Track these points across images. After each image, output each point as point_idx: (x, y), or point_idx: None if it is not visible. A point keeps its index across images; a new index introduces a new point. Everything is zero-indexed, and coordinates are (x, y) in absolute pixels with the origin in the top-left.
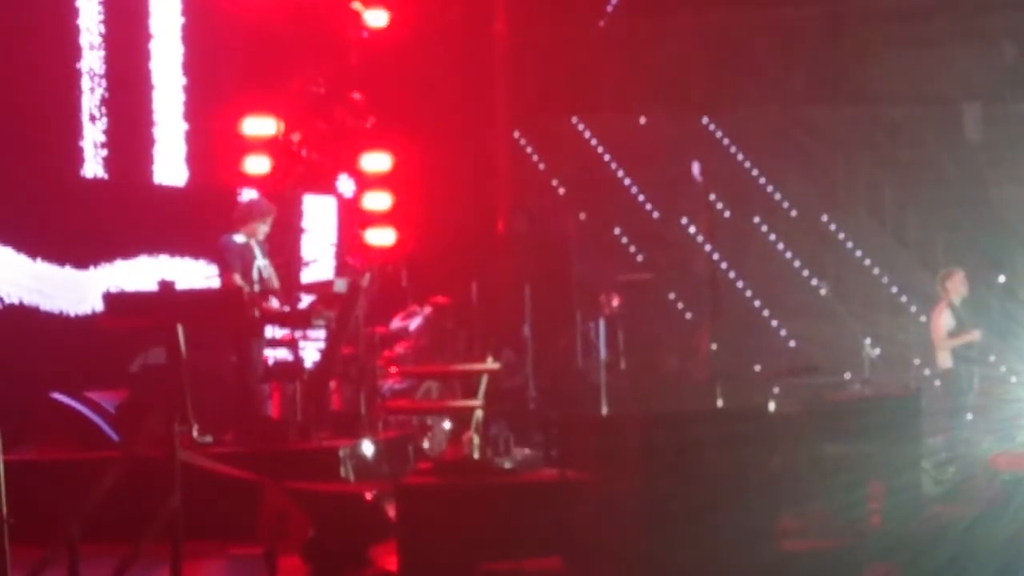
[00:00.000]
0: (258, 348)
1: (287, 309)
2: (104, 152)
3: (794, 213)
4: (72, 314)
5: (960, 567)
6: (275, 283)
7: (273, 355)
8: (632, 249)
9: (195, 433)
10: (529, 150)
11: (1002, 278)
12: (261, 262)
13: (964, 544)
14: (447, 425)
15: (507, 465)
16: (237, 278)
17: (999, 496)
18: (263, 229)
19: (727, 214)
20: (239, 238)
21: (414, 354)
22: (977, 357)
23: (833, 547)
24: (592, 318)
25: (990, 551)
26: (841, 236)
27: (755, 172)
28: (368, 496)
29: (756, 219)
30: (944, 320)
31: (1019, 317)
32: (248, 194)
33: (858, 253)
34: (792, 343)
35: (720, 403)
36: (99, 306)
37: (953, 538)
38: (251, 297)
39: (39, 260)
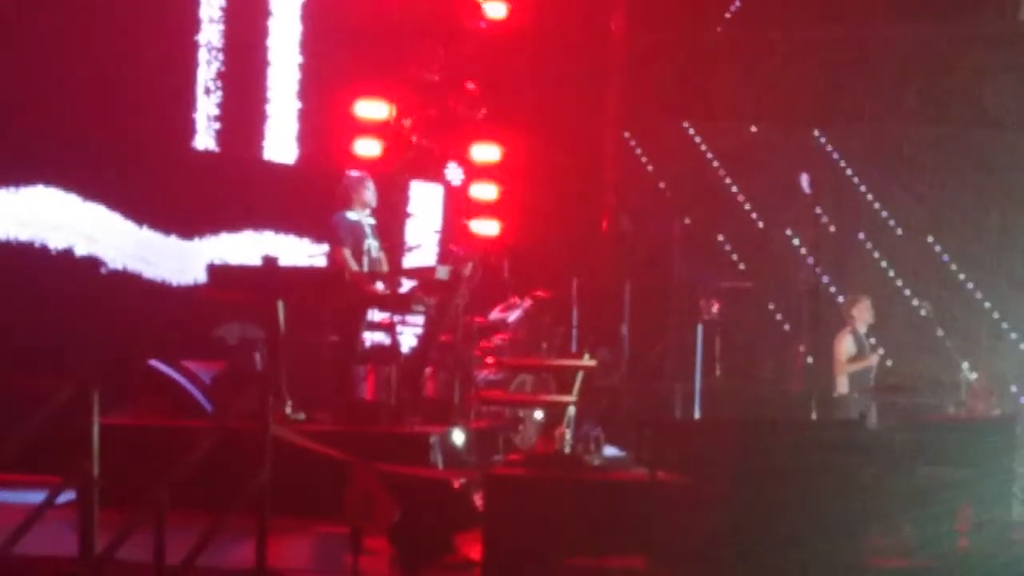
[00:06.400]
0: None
1: (388, 292)
2: (216, 125)
3: (899, 231)
4: (174, 283)
5: None
6: (384, 266)
7: (371, 338)
8: (734, 257)
9: (288, 409)
10: (638, 151)
11: None
12: (372, 242)
13: None
14: (538, 418)
15: (597, 462)
16: (347, 253)
17: None
18: (369, 198)
19: (832, 228)
20: (351, 215)
21: (511, 346)
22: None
23: (918, 567)
24: (690, 322)
25: None
26: (945, 258)
27: (863, 188)
28: (456, 484)
29: (861, 235)
30: (845, 345)
31: None
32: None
33: (961, 276)
34: (889, 362)
35: (814, 416)
36: (201, 277)
37: None
38: (357, 277)
39: (145, 227)
